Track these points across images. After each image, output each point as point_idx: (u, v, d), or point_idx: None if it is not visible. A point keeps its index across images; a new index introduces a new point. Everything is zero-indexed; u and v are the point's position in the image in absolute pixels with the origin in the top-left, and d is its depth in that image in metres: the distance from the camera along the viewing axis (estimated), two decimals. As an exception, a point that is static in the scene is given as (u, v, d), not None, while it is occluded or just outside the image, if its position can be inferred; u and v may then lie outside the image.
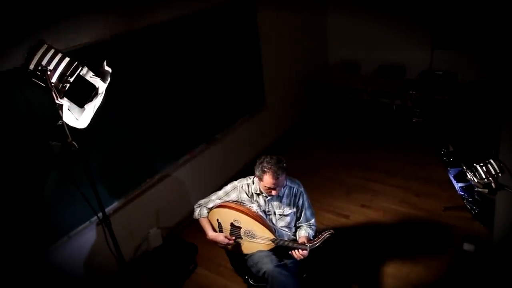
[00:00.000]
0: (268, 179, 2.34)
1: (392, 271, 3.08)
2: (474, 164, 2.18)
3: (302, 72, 5.64)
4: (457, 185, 3.20)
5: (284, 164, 2.40)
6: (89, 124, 1.70)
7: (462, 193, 3.24)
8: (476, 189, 3.02)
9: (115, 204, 3.06)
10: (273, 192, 2.41)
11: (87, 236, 2.94)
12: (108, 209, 3.00)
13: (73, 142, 1.76)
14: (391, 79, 5.64)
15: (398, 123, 5.52)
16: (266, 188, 2.40)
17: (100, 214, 2.15)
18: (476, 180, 2.19)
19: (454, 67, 5.24)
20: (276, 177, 2.33)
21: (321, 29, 6.03)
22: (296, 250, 2.32)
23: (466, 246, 3.08)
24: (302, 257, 2.31)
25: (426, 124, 5.33)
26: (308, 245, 2.32)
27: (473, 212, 3.23)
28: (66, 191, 2.60)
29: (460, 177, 3.12)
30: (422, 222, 3.60)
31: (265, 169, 2.34)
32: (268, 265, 2.34)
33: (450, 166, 3.23)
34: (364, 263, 3.19)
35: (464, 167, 2.28)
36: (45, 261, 2.65)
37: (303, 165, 4.68)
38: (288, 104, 5.47)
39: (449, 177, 3.46)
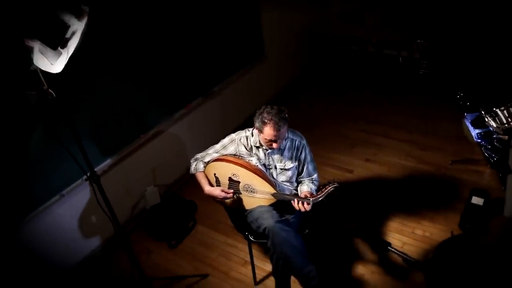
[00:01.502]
0: (268, 131, 2.18)
1: (397, 226, 2.99)
2: (494, 109, 1.99)
3: (304, 22, 5.32)
4: (474, 132, 3.01)
5: (286, 115, 2.22)
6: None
7: (479, 140, 3.06)
8: (495, 136, 2.85)
9: (108, 161, 2.91)
10: (274, 145, 2.25)
11: (81, 195, 2.82)
12: (102, 166, 2.87)
13: (49, 90, 1.57)
14: (397, 28, 5.30)
15: (404, 76, 5.27)
16: (267, 140, 2.24)
17: (88, 173, 2.00)
18: (495, 125, 2.01)
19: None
20: (277, 128, 2.16)
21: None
22: (299, 202, 2.19)
23: (475, 200, 2.98)
24: (304, 209, 2.19)
25: (434, 75, 5.09)
26: (311, 199, 2.19)
27: (492, 160, 3.06)
28: (54, 146, 2.43)
29: (478, 123, 2.93)
30: (428, 176, 3.47)
31: (266, 120, 2.17)
32: (268, 220, 2.22)
33: (467, 111, 3.03)
34: (369, 218, 3.10)
35: (483, 112, 2.11)
36: (37, 221, 2.53)
37: (304, 119, 4.51)
38: (289, 56, 5.20)
39: (458, 128, 3.29)
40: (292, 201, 2.22)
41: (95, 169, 2.72)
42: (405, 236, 2.90)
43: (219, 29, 3.68)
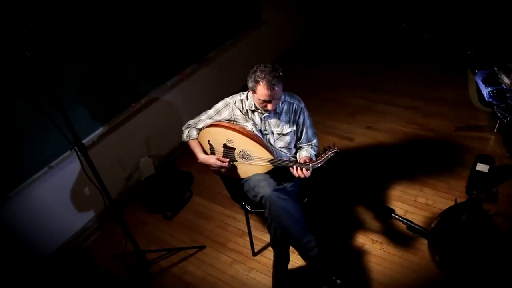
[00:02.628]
0: (262, 90, 2.04)
1: (399, 195, 2.91)
2: (508, 65, 1.85)
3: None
4: (485, 90, 2.86)
5: (281, 73, 2.07)
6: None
7: (491, 99, 2.92)
8: (509, 94, 2.70)
9: (98, 132, 2.78)
10: (269, 106, 2.11)
11: (71, 166, 2.70)
12: (91, 137, 2.74)
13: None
14: None
15: (407, 41, 5.06)
16: (261, 101, 2.10)
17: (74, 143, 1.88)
18: (509, 82, 1.87)
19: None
20: (271, 87, 2.02)
21: None
22: (297, 168, 2.09)
23: (480, 167, 2.87)
24: (303, 175, 2.08)
25: (438, 39, 4.89)
26: (310, 164, 2.07)
27: (505, 120, 2.92)
28: (42, 116, 2.29)
29: (490, 81, 2.77)
30: (431, 143, 3.36)
31: (259, 79, 2.03)
32: (265, 189, 2.12)
33: (478, 67, 2.86)
34: (370, 186, 3.01)
35: (496, 69, 1.97)
36: (24, 196, 2.43)
37: (303, 86, 4.35)
38: (288, 21, 4.97)
39: (462, 94, 3.14)
40: (290, 168, 2.11)
41: (84, 140, 2.67)
42: (407, 205, 2.82)
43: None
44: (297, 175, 2.09)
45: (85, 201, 2.88)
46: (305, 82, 4.48)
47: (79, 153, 1.92)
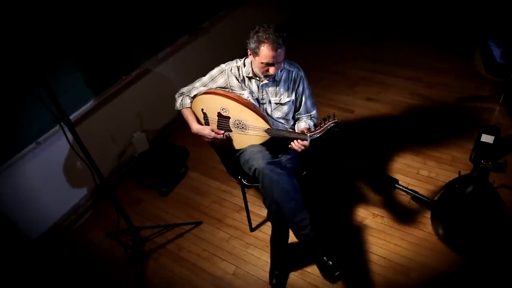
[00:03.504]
0: (266, 51, 1.89)
1: (401, 167, 2.82)
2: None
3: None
4: (498, 51, 2.72)
5: (285, 34, 1.92)
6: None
7: (503, 61, 2.78)
8: None
9: (88, 106, 2.66)
10: (271, 70, 1.97)
11: (61, 141, 2.59)
12: (81, 111, 2.62)
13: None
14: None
15: (409, 11, 4.87)
16: (263, 65, 1.95)
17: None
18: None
19: None
20: (275, 47, 1.88)
21: None
22: (295, 141, 1.98)
23: (485, 138, 2.76)
24: (302, 147, 1.97)
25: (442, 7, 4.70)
26: (308, 135, 1.96)
27: None
28: (28, 89, 2.18)
29: (503, 40, 2.62)
30: (434, 115, 3.25)
31: (263, 39, 1.88)
32: (259, 161, 2.02)
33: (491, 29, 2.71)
34: (371, 158, 2.92)
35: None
36: (11, 173, 2.34)
37: (302, 58, 4.11)
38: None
39: (466, 65, 2.99)
40: (288, 136, 2.01)
41: (74, 115, 2.55)
42: (409, 177, 2.74)
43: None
44: (296, 148, 1.99)
45: (77, 178, 2.80)
46: (304, 55, 4.32)
47: (64, 127, 1.80)
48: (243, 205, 2.50)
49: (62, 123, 1.78)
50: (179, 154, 3.21)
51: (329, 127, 1.95)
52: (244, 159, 2.14)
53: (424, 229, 2.40)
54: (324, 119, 1.98)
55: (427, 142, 2.99)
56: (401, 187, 2.55)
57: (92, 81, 2.65)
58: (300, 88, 2.17)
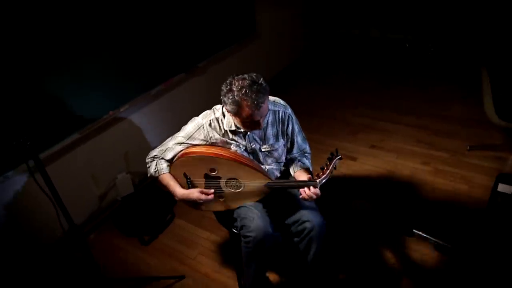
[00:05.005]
0: (246, 112, 1.62)
1: (414, 218, 2.54)
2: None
3: (302, 3, 4.88)
4: None
5: (263, 82, 1.65)
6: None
7: None
8: None
9: (70, 139, 2.42)
10: (256, 125, 1.72)
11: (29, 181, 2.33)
12: (60, 145, 2.37)
13: None
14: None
15: (410, 60, 4.84)
16: (247, 122, 1.69)
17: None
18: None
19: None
20: (257, 106, 1.60)
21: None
22: (305, 189, 1.72)
23: (502, 187, 2.52)
24: (314, 196, 1.71)
25: (444, 56, 4.68)
26: (317, 180, 1.70)
27: None
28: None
29: None
30: (444, 163, 3.02)
31: (239, 99, 1.61)
32: (257, 223, 1.77)
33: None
34: (380, 203, 2.65)
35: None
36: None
37: (302, 105, 4.06)
38: (285, 37, 4.74)
39: (472, 112, 2.83)
40: (300, 192, 1.76)
41: (48, 151, 2.30)
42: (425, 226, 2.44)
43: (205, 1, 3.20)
44: (306, 197, 1.73)
45: (47, 219, 2.48)
46: (304, 101, 4.19)
47: (29, 166, 1.56)
48: (234, 260, 2.18)
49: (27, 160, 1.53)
50: (166, 199, 2.93)
51: (335, 165, 1.71)
52: (238, 214, 1.88)
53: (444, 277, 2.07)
54: (329, 158, 1.76)
55: (439, 191, 2.74)
56: (420, 233, 2.24)
57: (75, 112, 2.43)
58: (290, 128, 1.92)
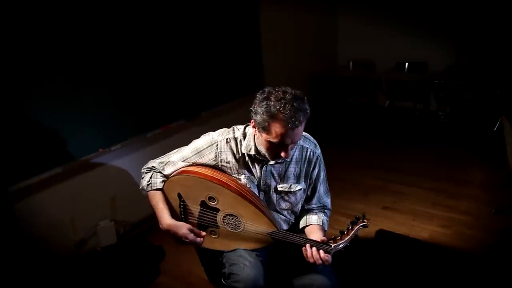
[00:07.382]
0: (278, 130, 1.34)
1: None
2: None
3: (309, 70, 4.94)
4: None
5: (307, 105, 1.38)
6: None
7: None
8: None
9: (50, 173, 2.19)
10: (283, 154, 1.41)
11: None
12: (37, 178, 2.15)
13: None
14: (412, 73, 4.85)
15: (421, 127, 4.73)
16: (273, 145, 1.40)
17: None
18: None
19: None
20: (293, 125, 1.32)
21: (331, 28, 5.38)
22: (314, 250, 1.42)
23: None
24: (321, 262, 1.40)
25: (455, 124, 4.57)
26: (332, 245, 1.40)
27: None
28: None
29: None
30: (467, 227, 2.69)
31: (274, 111, 1.32)
32: (249, 272, 1.47)
33: None
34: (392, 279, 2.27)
35: None
36: None
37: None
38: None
39: (491, 175, 2.65)
40: (303, 249, 1.46)
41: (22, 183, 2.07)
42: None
43: (214, 52, 3.20)
44: (312, 260, 1.42)
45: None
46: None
47: None
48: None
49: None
50: (151, 255, 2.59)
51: (358, 232, 1.45)
52: (226, 259, 1.57)
53: None
54: (353, 222, 1.49)
55: (464, 260, 2.39)
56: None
57: (60, 144, 2.23)
58: (316, 171, 1.65)
